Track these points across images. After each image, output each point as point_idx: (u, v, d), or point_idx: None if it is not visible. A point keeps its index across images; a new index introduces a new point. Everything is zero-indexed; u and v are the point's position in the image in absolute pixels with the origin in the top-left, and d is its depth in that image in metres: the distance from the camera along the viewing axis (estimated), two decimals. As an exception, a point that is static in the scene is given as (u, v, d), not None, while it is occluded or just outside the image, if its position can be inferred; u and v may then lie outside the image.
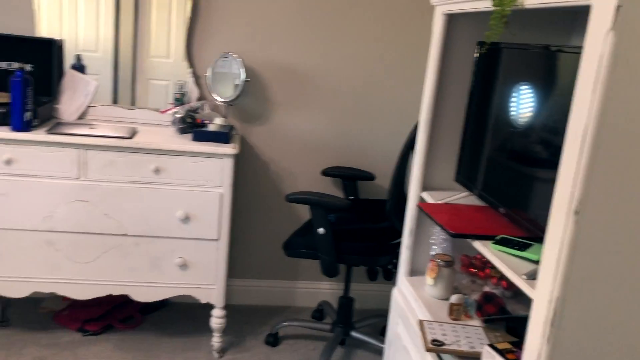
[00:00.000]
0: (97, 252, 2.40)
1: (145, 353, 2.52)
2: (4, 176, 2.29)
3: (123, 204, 2.36)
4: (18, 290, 2.40)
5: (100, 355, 2.47)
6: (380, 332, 2.80)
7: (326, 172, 2.87)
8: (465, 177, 1.92)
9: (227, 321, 2.57)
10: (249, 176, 2.92)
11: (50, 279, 2.40)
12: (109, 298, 2.70)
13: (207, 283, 2.47)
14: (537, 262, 1.35)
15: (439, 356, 1.59)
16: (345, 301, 2.66)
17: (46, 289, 2.41)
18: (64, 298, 2.75)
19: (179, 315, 2.86)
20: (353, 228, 2.53)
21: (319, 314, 2.97)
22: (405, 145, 2.38)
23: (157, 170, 2.35)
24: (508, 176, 1.60)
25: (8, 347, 2.46)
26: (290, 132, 2.88)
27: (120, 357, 2.47)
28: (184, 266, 2.44)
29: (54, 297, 2.75)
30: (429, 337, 1.58)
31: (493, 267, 1.90)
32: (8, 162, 2.28)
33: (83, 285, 2.42)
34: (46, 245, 2.37)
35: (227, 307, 2.64)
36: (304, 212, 2.96)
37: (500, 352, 1.38)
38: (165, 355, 2.51)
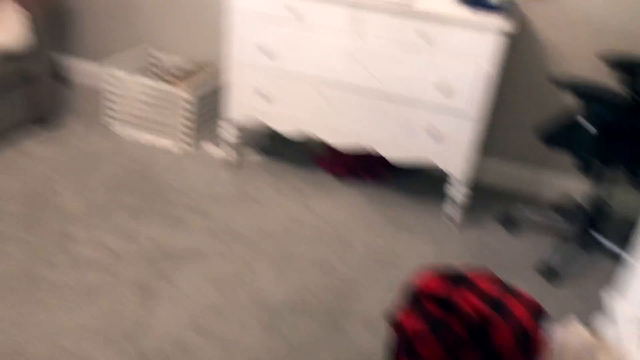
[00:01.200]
0: (359, 108, 2.55)
1: (393, 209, 2.70)
2: (294, 28, 2.50)
3: (389, 67, 2.42)
4: (288, 127, 2.71)
5: (349, 201, 2.73)
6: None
7: (609, 60, 2.54)
8: None
9: (468, 196, 2.60)
10: (519, 53, 2.72)
11: (316, 123, 2.65)
12: (364, 152, 2.90)
13: (457, 157, 2.49)
14: None
15: None
16: (599, 204, 2.47)
17: (311, 131, 2.68)
18: (326, 144, 3.04)
19: (426, 182, 2.97)
20: (629, 129, 2.26)
21: (563, 209, 2.82)
22: None
23: (427, 38, 2.33)
24: None
25: (276, 175, 2.86)
26: (576, 11, 2.56)
27: (367, 206, 2.70)
28: (436, 137, 2.48)
29: (317, 141, 3.05)
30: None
31: None
32: (295, 12, 2.46)
33: (343, 135, 2.63)
34: (317, 93, 2.59)
35: (471, 183, 2.65)
36: (571, 100, 2.71)
37: None
38: (408, 216, 2.67)
